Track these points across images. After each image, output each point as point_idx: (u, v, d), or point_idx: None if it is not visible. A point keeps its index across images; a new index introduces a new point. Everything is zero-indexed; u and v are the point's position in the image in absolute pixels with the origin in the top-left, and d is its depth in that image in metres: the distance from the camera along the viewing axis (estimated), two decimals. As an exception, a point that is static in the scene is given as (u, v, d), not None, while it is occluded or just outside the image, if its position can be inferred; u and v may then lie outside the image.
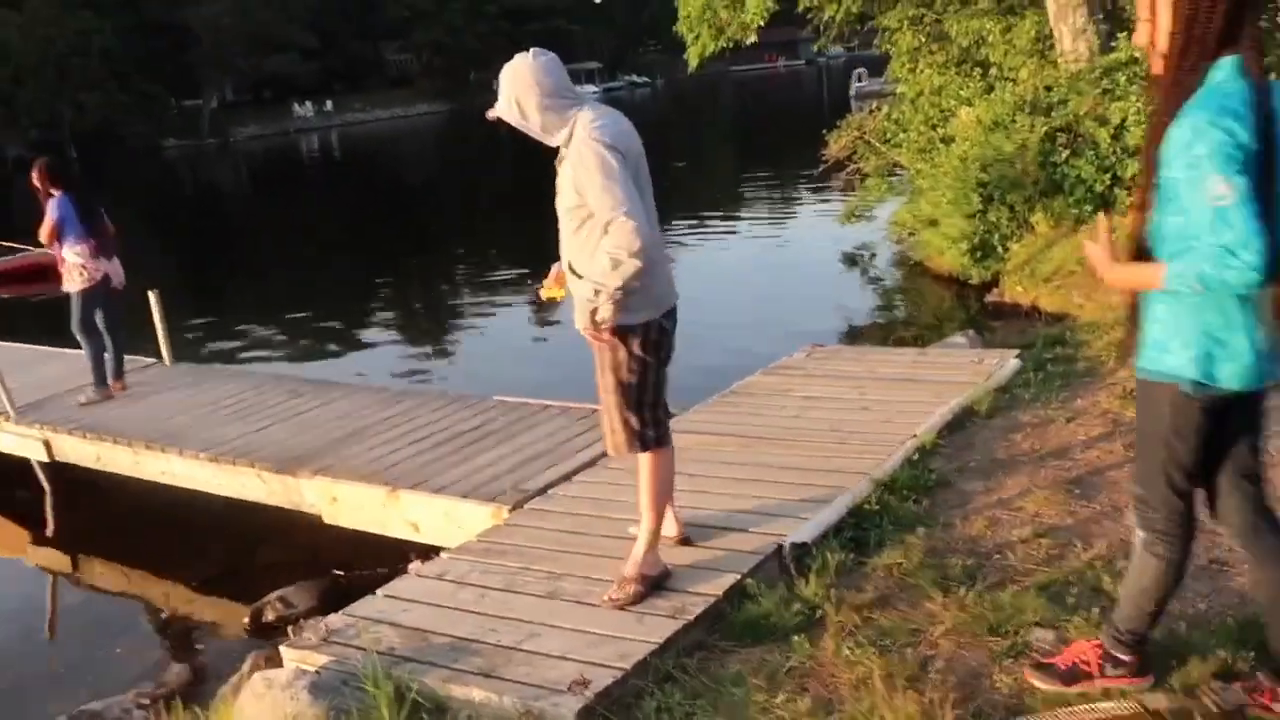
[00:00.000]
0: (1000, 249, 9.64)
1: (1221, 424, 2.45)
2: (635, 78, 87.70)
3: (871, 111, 12.87)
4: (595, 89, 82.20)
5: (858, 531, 3.93)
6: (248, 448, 5.85)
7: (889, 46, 12.61)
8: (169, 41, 59.64)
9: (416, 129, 62.03)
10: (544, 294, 3.81)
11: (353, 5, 72.45)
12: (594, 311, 3.30)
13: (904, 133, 11.64)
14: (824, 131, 12.98)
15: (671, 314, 3.55)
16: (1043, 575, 3.39)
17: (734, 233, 16.01)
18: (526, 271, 14.28)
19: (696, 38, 11.72)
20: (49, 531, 6.77)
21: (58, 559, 6.50)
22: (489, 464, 5.24)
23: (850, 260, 12.81)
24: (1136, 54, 9.14)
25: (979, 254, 9.72)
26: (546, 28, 76.85)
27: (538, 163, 4.17)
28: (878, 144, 12.11)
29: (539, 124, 3.34)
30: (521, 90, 3.31)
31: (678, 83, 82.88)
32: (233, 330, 12.20)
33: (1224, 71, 2.24)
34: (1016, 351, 6.04)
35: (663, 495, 3.66)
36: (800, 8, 11.40)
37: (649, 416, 3.53)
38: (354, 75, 74.05)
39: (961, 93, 10.92)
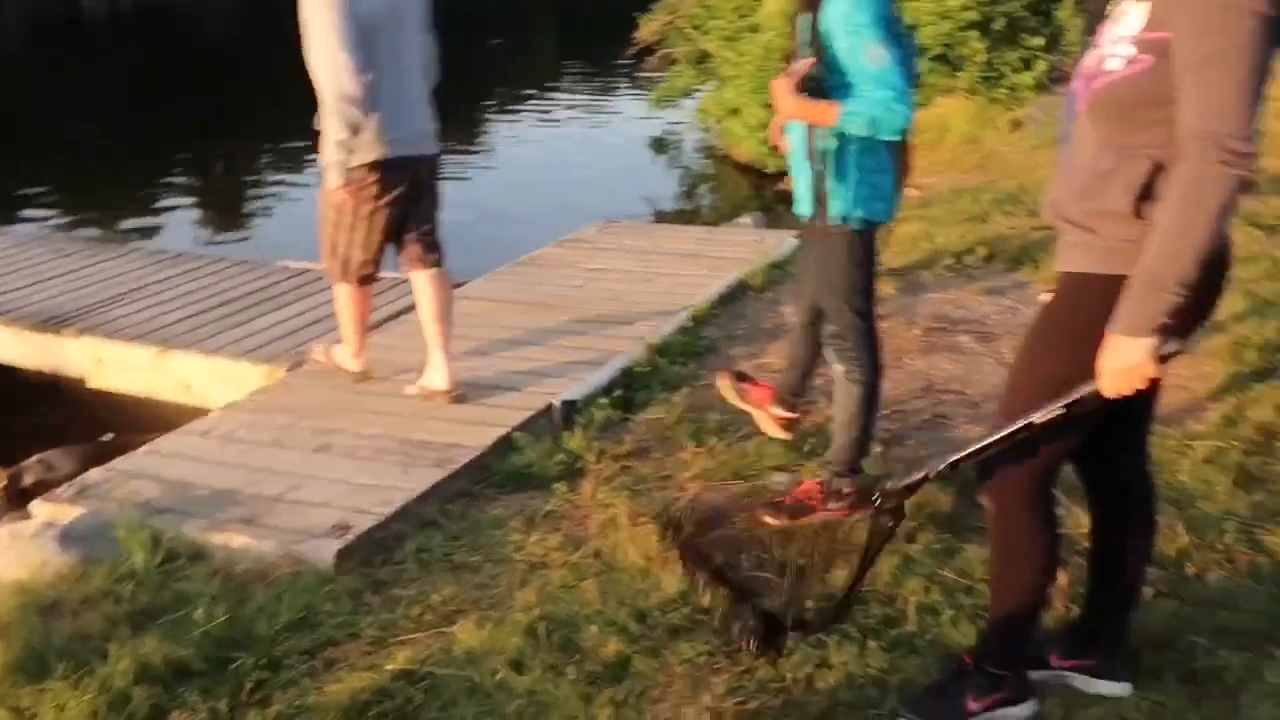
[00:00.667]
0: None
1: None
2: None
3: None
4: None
5: (628, 391, 4.11)
6: (3, 306, 5.50)
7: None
8: None
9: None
10: None
11: None
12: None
13: (714, 19, 11.69)
14: (636, 15, 12.88)
15: (409, 162, 3.77)
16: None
17: (546, 113, 15.79)
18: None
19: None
20: None
21: None
22: (268, 326, 5.13)
23: (658, 145, 12.91)
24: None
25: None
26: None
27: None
28: (688, 30, 12.12)
29: None
30: None
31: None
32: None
33: None
34: (795, 233, 6.32)
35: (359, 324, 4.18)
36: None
37: (361, 258, 3.93)
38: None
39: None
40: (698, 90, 12.41)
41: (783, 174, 9.98)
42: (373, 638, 2.64)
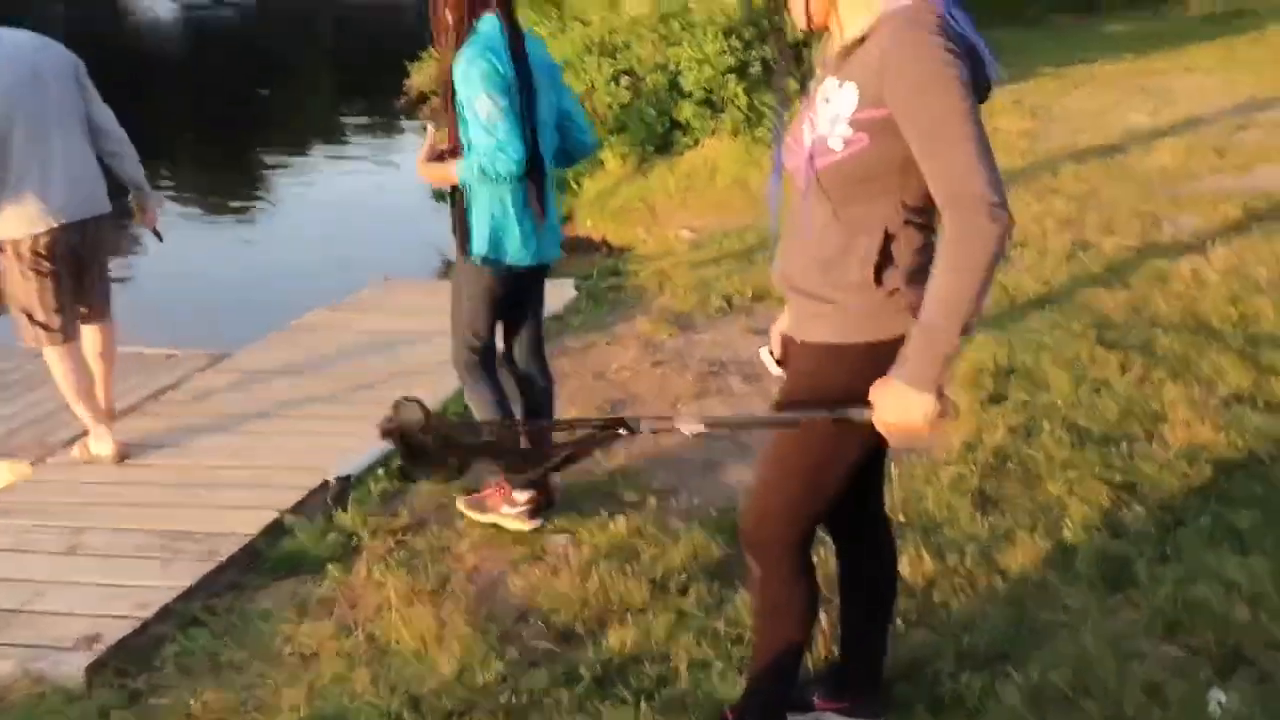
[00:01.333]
0: (574, 184, 10.07)
1: (515, 293, 3.32)
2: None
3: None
4: (173, 3, 75.02)
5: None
6: None
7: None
8: None
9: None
10: None
11: None
12: None
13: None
14: (406, 62, 12.80)
15: (78, 226, 3.96)
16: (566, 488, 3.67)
17: (318, 166, 15.38)
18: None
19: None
20: None
21: None
22: (9, 415, 4.75)
23: (439, 195, 12.80)
24: (691, 3, 9.86)
25: (554, 189, 10.09)
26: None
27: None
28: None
29: None
30: None
31: (271, 6, 77.61)
32: None
33: (486, 23, 3.01)
34: (574, 281, 6.39)
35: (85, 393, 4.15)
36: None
37: (54, 319, 3.99)
38: None
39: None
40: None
41: (563, 219, 10.12)
42: (125, 759, 2.47)
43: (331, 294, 6.53)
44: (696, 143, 9.52)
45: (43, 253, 3.89)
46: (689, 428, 2.03)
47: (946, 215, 1.77)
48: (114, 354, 4.33)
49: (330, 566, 3.25)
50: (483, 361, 3.34)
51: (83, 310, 4.13)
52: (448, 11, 3.03)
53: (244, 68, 35.00)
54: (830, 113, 1.86)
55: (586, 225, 9.57)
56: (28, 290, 3.93)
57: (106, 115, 4.11)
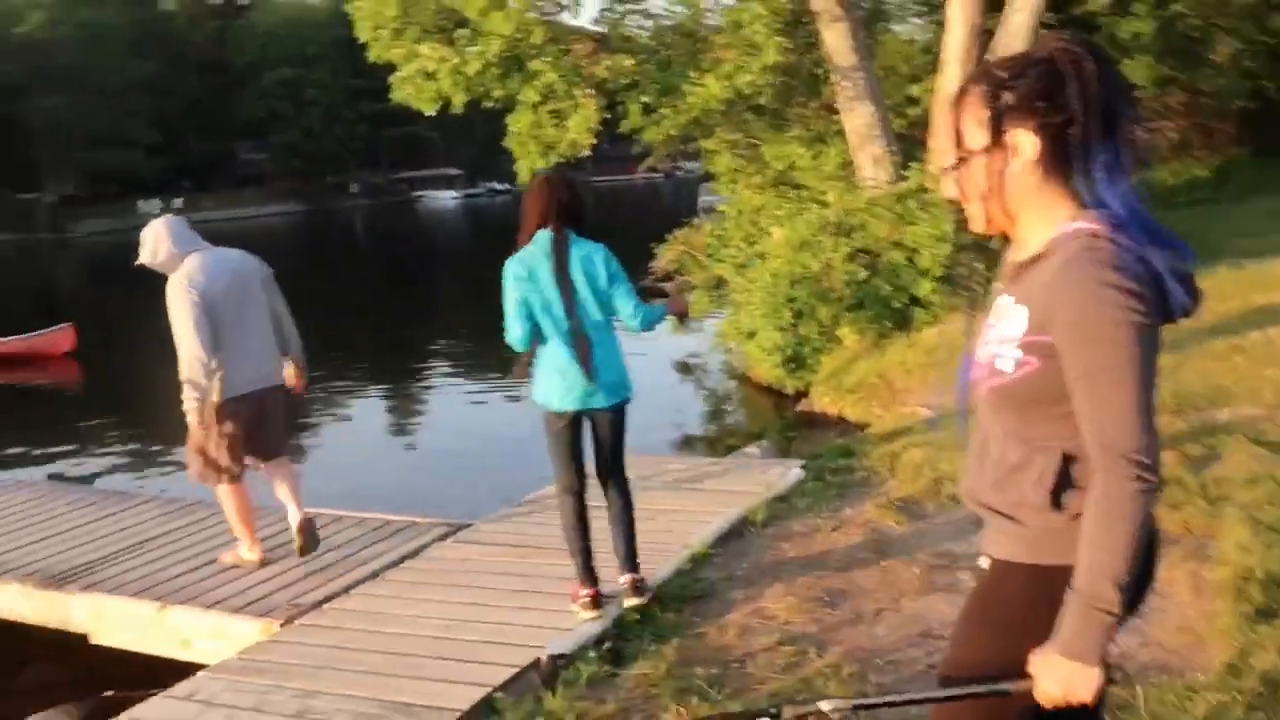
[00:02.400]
0: (811, 361, 10.07)
1: (581, 434, 4.27)
2: (496, 184, 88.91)
3: (695, 227, 13.41)
4: (456, 194, 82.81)
5: (618, 642, 4.02)
6: (14, 562, 5.57)
7: (711, 166, 13.24)
8: (3, 134, 57.59)
9: (270, 229, 60.96)
10: None
11: (203, 105, 71.35)
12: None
13: (725, 248, 12.15)
14: (651, 245, 13.43)
15: (251, 396, 5.02)
16: (775, 683, 3.53)
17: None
18: (365, 377, 14.15)
19: (527, 152, 12.04)
20: None
21: None
22: (268, 577, 5.13)
23: (683, 368, 13.15)
24: (926, 183, 9.88)
25: (791, 365, 10.14)
26: (405, 134, 77.41)
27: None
28: (702, 258, 12.58)
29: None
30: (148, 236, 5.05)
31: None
32: (35, 436, 11.62)
33: (541, 235, 4.13)
34: (801, 462, 6.31)
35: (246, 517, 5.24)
36: (623, 129, 11.83)
37: (228, 462, 5.03)
38: (203, 173, 72.70)
39: (777, 212, 11.51)
40: (714, 315, 12.76)
41: (800, 395, 10.11)
42: None
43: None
44: (935, 319, 9.36)
45: (229, 414, 4.93)
46: (836, 710, 1.95)
47: (1094, 465, 1.68)
48: (294, 480, 5.30)
49: (534, 751, 3.25)
50: (565, 499, 4.32)
51: (256, 459, 5.18)
52: (525, 227, 4.17)
53: (504, 246, 37.99)
54: (1001, 333, 1.81)
55: (824, 401, 9.50)
56: (212, 441, 4.95)
57: (284, 308, 5.25)
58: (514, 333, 4.10)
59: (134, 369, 16.04)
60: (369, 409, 12.57)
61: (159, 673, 4.95)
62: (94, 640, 5.19)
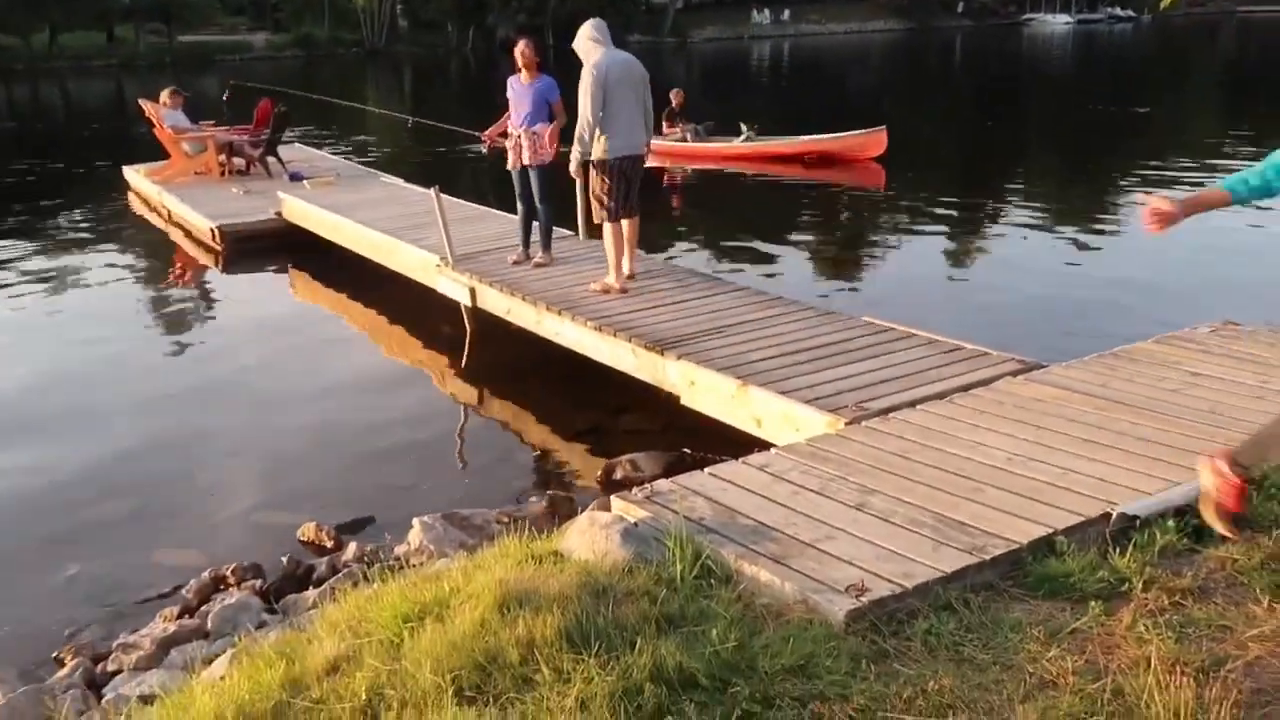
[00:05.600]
0: None
1: None
2: (1118, 10, 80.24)
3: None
4: (1069, 19, 76.18)
5: (1201, 519, 3.64)
6: (628, 324, 6.41)
7: None
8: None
9: (868, 44, 61.11)
10: None
11: (826, -86, 72.12)
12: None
13: None
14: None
15: (627, 159, 6.95)
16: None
17: (1180, 183, 14.38)
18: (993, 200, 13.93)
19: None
20: (464, 364, 7.85)
21: (468, 390, 7.54)
22: (839, 378, 5.38)
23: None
24: None
25: None
26: (1027, -51, 72.08)
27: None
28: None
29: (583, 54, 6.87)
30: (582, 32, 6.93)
31: (1167, 20, 74.50)
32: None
33: None
34: None
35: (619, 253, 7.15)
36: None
37: (614, 207, 6.97)
38: (814, -15, 74.16)
39: None
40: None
41: None
42: (860, 705, 2.66)
43: (1164, 326, 6.14)
44: None
45: (613, 169, 6.81)
46: None
47: None
48: (635, 236, 7.28)
49: (1093, 603, 3.10)
50: None
51: (626, 207, 6.98)
52: None
53: (1127, 82, 34.35)
54: None
55: None
56: (606, 189, 6.86)
57: (650, 104, 7.04)
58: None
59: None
60: (942, 233, 12.37)
61: (731, 442, 5.50)
62: (683, 401, 5.87)
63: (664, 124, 16.74)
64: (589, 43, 6.82)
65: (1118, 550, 3.41)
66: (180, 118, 14.05)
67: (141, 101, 14.63)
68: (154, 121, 14.13)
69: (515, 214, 8.17)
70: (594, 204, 7.03)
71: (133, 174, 14.79)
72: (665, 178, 16.07)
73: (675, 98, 17.23)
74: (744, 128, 16.67)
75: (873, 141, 15.85)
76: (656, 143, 17.07)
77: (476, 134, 8.30)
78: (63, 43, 55.87)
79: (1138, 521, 3.59)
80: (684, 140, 16.79)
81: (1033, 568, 3.37)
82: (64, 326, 9.32)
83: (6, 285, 10.66)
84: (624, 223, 7.04)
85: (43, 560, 5.19)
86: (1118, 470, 4.05)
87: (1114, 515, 3.64)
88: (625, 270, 7.20)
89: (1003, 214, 13.48)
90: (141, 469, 6.24)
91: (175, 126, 13.88)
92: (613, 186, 6.89)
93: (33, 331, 9.20)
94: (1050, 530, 3.55)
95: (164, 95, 14.07)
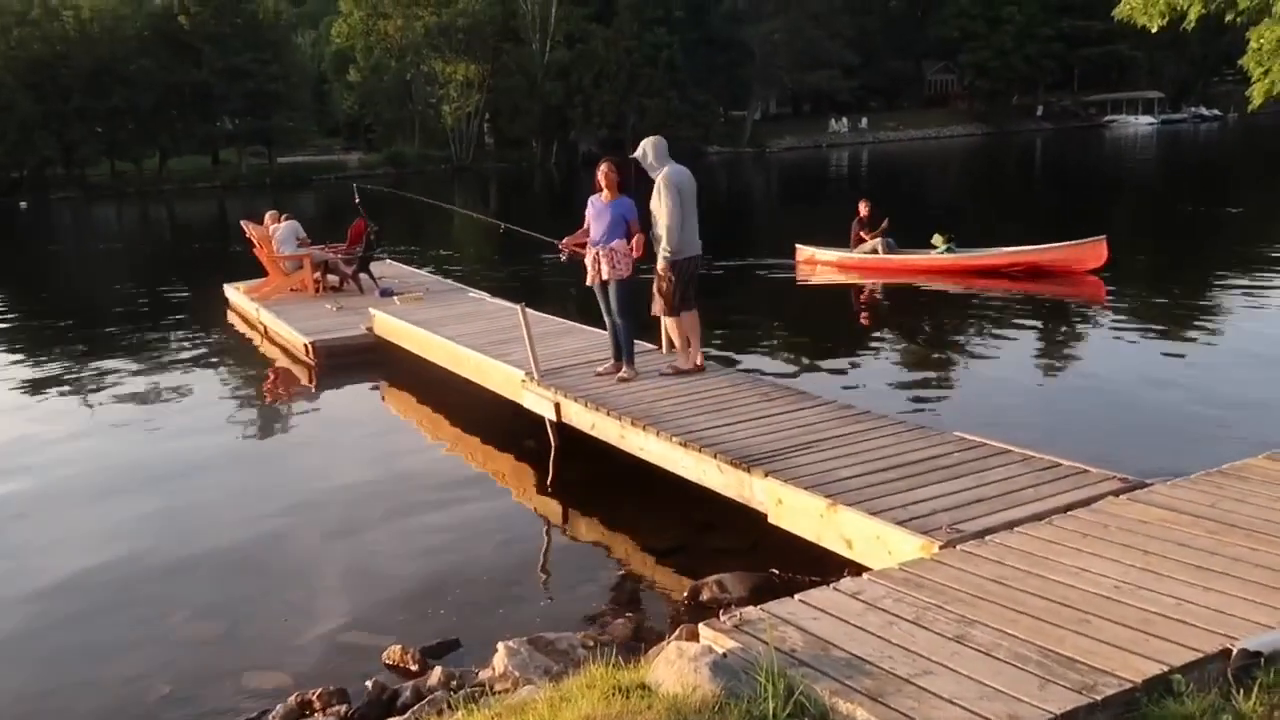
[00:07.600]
0: None
1: None
2: (1203, 110, 79.34)
3: None
4: (1152, 120, 75.57)
5: (1333, 656, 3.41)
6: (714, 439, 6.35)
7: None
8: (725, 57, 64.95)
9: (948, 150, 61.37)
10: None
11: (900, 26, 73.55)
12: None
13: None
14: None
15: (693, 259, 7.83)
16: None
17: (1271, 295, 13.91)
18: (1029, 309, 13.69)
19: (1265, 73, 10.41)
20: (549, 480, 7.86)
21: (551, 506, 7.52)
22: (931, 497, 5.23)
23: None
24: None
25: None
26: (1104, 53, 72.29)
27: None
28: None
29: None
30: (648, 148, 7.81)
31: (1254, 119, 73.53)
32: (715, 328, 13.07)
33: None
34: None
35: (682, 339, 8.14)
36: None
37: (676, 302, 7.77)
38: (891, 92, 75.27)
39: None
40: None
41: None
42: None
43: (1270, 445, 5.87)
44: None
45: (681, 267, 7.67)
46: None
47: None
48: (697, 325, 8.08)
49: (1219, 751, 2.90)
50: None
51: (686, 301, 7.78)
52: None
53: (1217, 180, 33.78)
54: None
55: None
56: (671, 285, 7.67)
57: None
58: None
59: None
60: (1031, 340, 12.13)
61: (820, 562, 5.36)
62: (770, 519, 5.76)
63: (854, 235, 15.90)
64: (655, 159, 7.72)
65: (1240, 692, 3.21)
66: (288, 235, 14.61)
67: (243, 223, 15.32)
68: (253, 241, 14.76)
69: (600, 329, 8.26)
70: (656, 297, 7.77)
71: (232, 291, 15.41)
72: (855, 294, 15.20)
73: (864, 207, 16.24)
74: (939, 239, 15.58)
75: (1092, 253, 14.69)
76: (847, 257, 16.55)
77: (555, 242, 8.47)
78: (171, 166, 59.35)
79: (1261, 659, 3.38)
80: (875, 253, 15.85)
81: (1149, 709, 3.19)
82: (161, 443, 9.60)
83: (109, 401, 11.06)
84: (684, 315, 7.88)
85: (137, 676, 5.23)
86: (1235, 600, 3.84)
87: (1235, 651, 3.43)
88: (696, 360, 8.08)
89: (1092, 317, 13.20)
90: (234, 585, 6.31)
91: (281, 247, 14.45)
92: (677, 282, 7.65)
93: (130, 446, 9.49)
94: (1166, 668, 3.35)
95: (267, 218, 14.74)
